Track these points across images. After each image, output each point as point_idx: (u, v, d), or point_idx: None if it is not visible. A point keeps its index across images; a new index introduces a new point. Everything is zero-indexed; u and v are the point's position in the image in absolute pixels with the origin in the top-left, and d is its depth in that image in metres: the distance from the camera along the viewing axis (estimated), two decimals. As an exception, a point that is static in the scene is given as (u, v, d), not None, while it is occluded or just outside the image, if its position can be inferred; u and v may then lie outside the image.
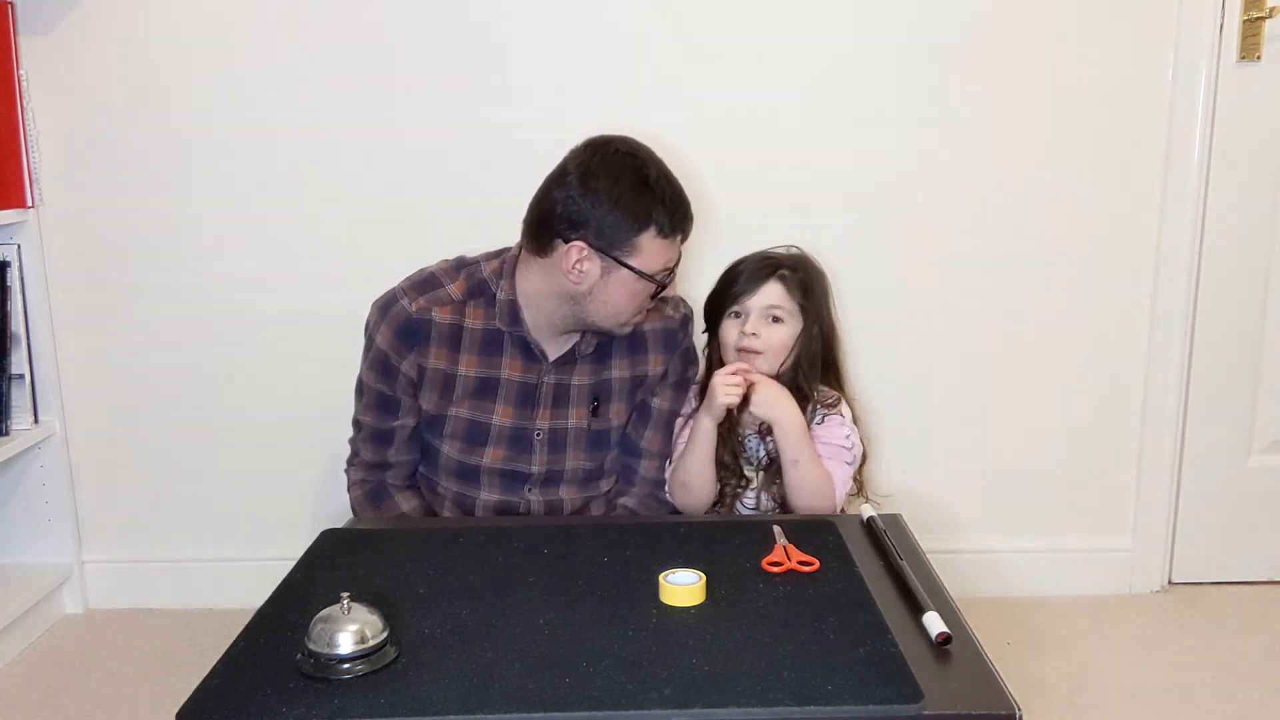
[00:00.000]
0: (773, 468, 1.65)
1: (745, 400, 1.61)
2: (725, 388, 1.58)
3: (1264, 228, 2.03)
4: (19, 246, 1.95)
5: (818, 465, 1.60)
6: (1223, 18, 1.92)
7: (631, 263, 1.50)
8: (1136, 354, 2.06)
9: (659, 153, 1.53)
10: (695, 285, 1.79)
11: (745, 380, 1.59)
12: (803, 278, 1.70)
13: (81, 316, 2.03)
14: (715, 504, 1.68)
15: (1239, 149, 1.98)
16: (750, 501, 1.67)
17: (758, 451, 1.67)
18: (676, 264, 1.57)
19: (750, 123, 1.93)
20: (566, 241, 1.49)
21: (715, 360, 1.73)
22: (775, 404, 1.59)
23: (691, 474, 1.63)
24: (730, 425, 1.66)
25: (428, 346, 1.57)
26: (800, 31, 1.91)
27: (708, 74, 1.92)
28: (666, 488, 1.68)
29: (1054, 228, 2.00)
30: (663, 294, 1.59)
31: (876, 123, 1.95)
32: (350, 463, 1.66)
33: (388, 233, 1.96)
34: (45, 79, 1.94)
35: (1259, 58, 1.94)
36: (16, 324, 1.98)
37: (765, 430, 1.65)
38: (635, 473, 1.68)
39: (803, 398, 1.65)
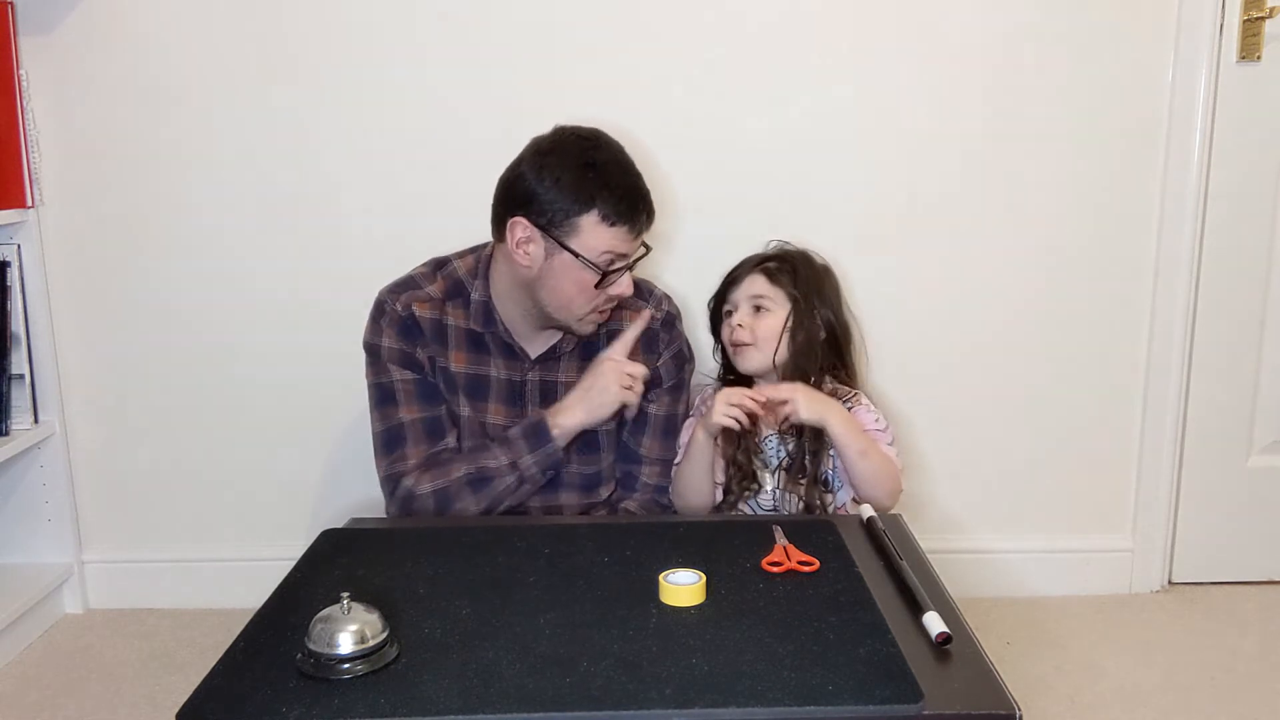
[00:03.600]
0: (793, 468, 1.64)
1: (754, 421, 1.60)
2: (725, 407, 1.57)
3: (1264, 228, 2.02)
4: (19, 246, 1.95)
5: (879, 449, 1.60)
6: (1223, 18, 1.92)
7: (572, 245, 1.48)
8: (1136, 354, 2.06)
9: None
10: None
11: (746, 408, 1.57)
12: (789, 267, 1.70)
13: (81, 316, 2.03)
14: (720, 503, 1.68)
15: (1239, 149, 1.98)
16: (767, 502, 1.66)
17: (778, 452, 1.66)
18: (632, 262, 1.54)
19: (755, 129, 1.93)
20: (512, 217, 1.50)
21: (726, 365, 1.74)
22: (817, 406, 1.58)
23: (687, 483, 1.64)
24: (751, 424, 1.65)
25: (425, 340, 1.59)
26: (803, 36, 1.91)
27: (715, 81, 1.92)
28: (671, 489, 1.68)
29: (1053, 227, 1.99)
30: (616, 293, 1.53)
31: (877, 125, 1.94)
32: (395, 485, 1.54)
33: (389, 232, 1.96)
34: (45, 79, 1.93)
35: (1259, 58, 1.94)
36: (16, 324, 1.97)
37: (786, 430, 1.64)
38: (636, 479, 1.68)
39: (813, 386, 1.65)
